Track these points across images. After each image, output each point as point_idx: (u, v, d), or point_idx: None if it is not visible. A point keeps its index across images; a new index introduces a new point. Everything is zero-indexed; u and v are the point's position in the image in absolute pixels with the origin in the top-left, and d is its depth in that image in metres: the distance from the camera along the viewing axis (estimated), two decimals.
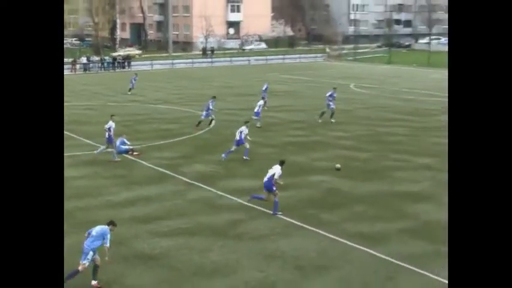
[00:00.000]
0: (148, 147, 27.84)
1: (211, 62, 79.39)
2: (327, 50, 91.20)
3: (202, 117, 32.44)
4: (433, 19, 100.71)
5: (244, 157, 25.41)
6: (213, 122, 32.89)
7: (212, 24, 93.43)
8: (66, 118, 27.64)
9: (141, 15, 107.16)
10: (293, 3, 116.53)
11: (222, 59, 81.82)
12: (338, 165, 22.59)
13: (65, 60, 60.18)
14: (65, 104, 32.94)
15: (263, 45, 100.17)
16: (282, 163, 19.00)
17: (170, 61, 77.83)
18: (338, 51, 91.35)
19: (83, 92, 49.14)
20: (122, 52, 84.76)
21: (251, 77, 62.04)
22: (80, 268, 13.05)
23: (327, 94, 34.97)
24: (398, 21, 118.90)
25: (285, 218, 18.18)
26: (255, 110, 32.23)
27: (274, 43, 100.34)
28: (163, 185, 21.83)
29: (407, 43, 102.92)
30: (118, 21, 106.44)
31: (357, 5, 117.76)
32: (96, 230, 13.40)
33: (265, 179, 18.65)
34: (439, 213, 18.69)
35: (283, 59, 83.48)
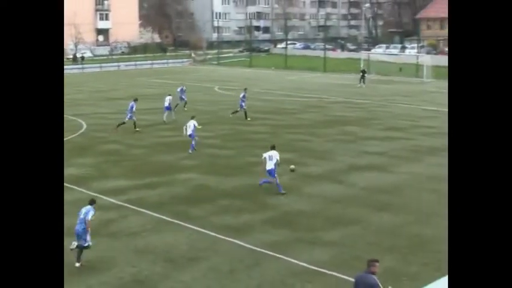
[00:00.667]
0: None
1: (82, 68, 76.89)
2: (193, 55, 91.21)
3: (127, 118, 31.56)
4: (289, 26, 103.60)
5: (189, 151, 26.34)
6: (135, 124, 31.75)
7: (81, 31, 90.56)
8: None
9: None
10: (160, 12, 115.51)
11: (93, 65, 79.49)
12: (292, 166, 21.57)
13: None
14: None
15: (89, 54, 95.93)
16: (273, 147, 20.94)
17: None
18: (203, 56, 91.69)
19: None
20: None
21: (120, 81, 60.93)
22: (86, 245, 14.18)
23: (240, 95, 35.84)
24: (257, 28, 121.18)
25: (155, 214, 17.99)
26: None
27: (142, 49, 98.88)
28: None
29: (266, 48, 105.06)
30: None
31: (219, 13, 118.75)
32: (82, 212, 14.33)
33: (270, 167, 20.25)
34: (298, 203, 19.28)
35: (152, 64, 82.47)
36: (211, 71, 73.48)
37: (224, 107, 40.50)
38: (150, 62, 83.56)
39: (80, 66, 78.53)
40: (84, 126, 31.68)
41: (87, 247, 14.25)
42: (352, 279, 10.77)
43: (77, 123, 34.23)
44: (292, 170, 21.45)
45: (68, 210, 18.31)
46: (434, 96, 47.92)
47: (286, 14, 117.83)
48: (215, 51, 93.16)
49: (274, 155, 20.56)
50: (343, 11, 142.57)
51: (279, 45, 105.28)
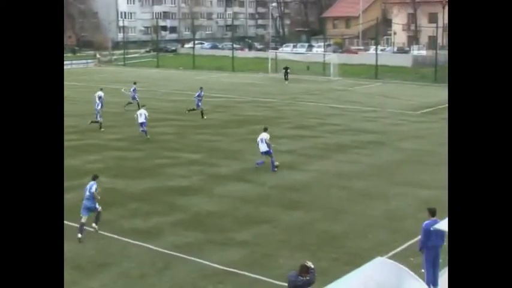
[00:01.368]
0: None
1: None
2: (98, 55, 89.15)
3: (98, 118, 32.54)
4: (196, 25, 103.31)
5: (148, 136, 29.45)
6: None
7: None
8: None
9: None
10: None
11: None
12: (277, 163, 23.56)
13: None
14: None
15: None
16: (265, 129, 23.86)
17: None
18: (108, 57, 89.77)
19: None
20: None
21: None
22: (98, 210, 16.31)
23: (195, 94, 36.43)
24: (164, 28, 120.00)
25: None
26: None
27: None
28: None
29: (173, 48, 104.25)
30: None
31: (125, 12, 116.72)
32: (87, 188, 16.30)
33: (264, 149, 23.14)
34: (209, 204, 19.34)
35: None
36: (118, 72, 72.18)
37: (131, 109, 39.89)
38: None
39: None
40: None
41: (99, 212, 16.39)
42: (264, 278, 10.97)
43: None
44: (276, 166, 23.53)
45: None
46: (341, 94, 49.27)
47: (193, 13, 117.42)
48: (121, 51, 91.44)
49: (265, 136, 23.40)
50: (251, 10, 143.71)
51: (186, 45, 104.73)
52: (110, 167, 24.14)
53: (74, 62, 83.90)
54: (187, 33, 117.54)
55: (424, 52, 74.76)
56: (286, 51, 79.84)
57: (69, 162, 24.66)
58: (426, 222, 12.91)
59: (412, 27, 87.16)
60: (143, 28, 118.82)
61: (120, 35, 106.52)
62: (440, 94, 48.69)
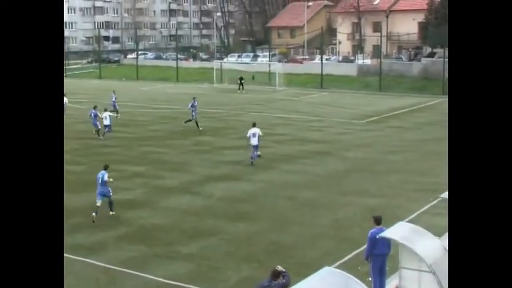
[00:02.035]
0: None
1: None
2: None
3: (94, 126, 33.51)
4: (139, 35, 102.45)
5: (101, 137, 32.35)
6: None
7: None
8: None
9: None
10: None
11: None
12: (259, 153, 26.61)
13: None
14: None
15: None
16: (254, 124, 26.62)
17: None
18: None
19: None
20: None
21: None
22: (110, 200, 19.08)
23: (189, 105, 36.30)
24: (106, 38, 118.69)
25: None
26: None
27: None
28: None
29: (116, 58, 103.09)
30: None
31: (66, 22, 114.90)
32: (100, 177, 19.00)
33: (255, 142, 26.00)
34: (154, 217, 19.16)
35: None
36: None
37: (73, 121, 39.23)
38: None
39: None
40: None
41: (112, 200, 19.05)
42: None
43: None
44: (259, 156, 26.43)
45: None
46: (286, 103, 49.69)
47: (136, 23, 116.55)
48: None
49: (256, 131, 26.14)
50: (195, 20, 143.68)
51: (129, 56, 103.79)
52: None
53: None
54: (130, 43, 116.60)
55: (368, 61, 76.12)
56: (232, 61, 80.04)
57: None
58: (372, 230, 13.11)
59: (357, 36, 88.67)
60: (85, 38, 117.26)
61: None
62: (385, 103, 49.73)
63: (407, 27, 79.04)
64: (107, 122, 33.15)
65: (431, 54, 67.81)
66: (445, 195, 13.59)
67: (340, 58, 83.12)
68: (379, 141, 32.58)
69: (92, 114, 33.84)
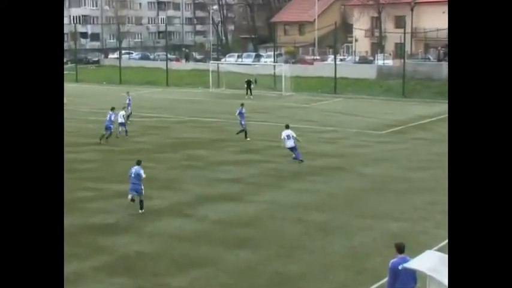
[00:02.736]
0: None
1: None
2: None
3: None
4: (123, 32, 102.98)
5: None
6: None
7: None
8: None
9: None
10: None
11: None
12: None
13: None
14: None
15: None
16: (287, 126, 30.60)
17: None
18: None
19: None
20: None
21: None
22: (141, 199, 22.24)
23: (236, 112, 37.11)
24: (84, 35, 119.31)
25: None
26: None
27: None
28: None
29: (95, 59, 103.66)
30: None
31: None
32: (133, 171, 22.35)
33: (291, 144, 29.84)
34: (139, 244, 19.17)
35: None
36: None
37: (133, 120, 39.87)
38: None
39: None
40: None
41: (142, 199, 22.24)
42: None
43: None
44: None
45: None
46: (294, 111, 49.80)
47: (119, 17, 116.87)
48: None
49: (290, 133, 29.82)
50: (188, 14, 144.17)
51: (111, 56, 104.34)
52: None
53: None
54: (112, 41, 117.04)
55: (390, 62, 76.27)
56: (230, 62, 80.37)
57: None
58: (393, 260, 13.07)
59: (376, 33, 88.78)
60: None
61: None
62: (409, 110, 49.78)
63: (436, 22, 78.38)
64: (121, 119, 37.27)
65: None
66: None
67: (357, 58, 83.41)
68: (402, 155, 32.60)
69: (109, 117, 36.06)
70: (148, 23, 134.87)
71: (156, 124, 43.58)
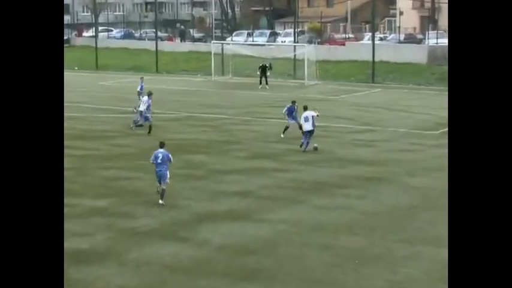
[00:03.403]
0: None
1: None
2: None
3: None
4: (100, 2, 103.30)
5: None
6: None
7: None
8: None
9: None
10: None
11: None
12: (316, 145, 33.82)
13: None
14: None
15: None
16: (306, 108, 34.41)
17: None
18: None
19: None
20: None
21: None
22: (163, 188, 25.25)
23: (284, 109, 37.76)
24: None
25: None
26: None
27: None
28: None
29: (66, 37, 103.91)
30: None
31: None
32: (159, 156, 25.25)
33: (309, 128, 33.49)
34: (121, 276, 19.17)
35: None
36: None
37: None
38: None
39: None
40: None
41: (164, 189, 25.15)
42: None
43: None
44: (315, 149, 33.68)
45: None
46: (320, 105, 49.50)
47: None
48: None
49: (313, 113, 33.73)
50: None
51: (85, 33, 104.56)
52: None
53: None
54: (85, 14, 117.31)
55: (445, 41, 75.91)
56: (238, 42, 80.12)
57: None
58: None
59: (427, 3, 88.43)
60: None
61: None
62: None
63: None
64: (143, 107, 39.39)
65: None
66: None
67: (402, 37, 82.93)
68: None
69: (147, 105, 39.19)
70: None
71: (143, 121, 43.63)
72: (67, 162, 32.48)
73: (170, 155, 25.34)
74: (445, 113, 45.41)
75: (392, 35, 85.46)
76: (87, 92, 57.04)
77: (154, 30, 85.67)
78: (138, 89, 47.08)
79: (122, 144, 36.76)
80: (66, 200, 25.99)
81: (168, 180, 25.09)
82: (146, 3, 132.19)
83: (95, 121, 43.67)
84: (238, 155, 33.95)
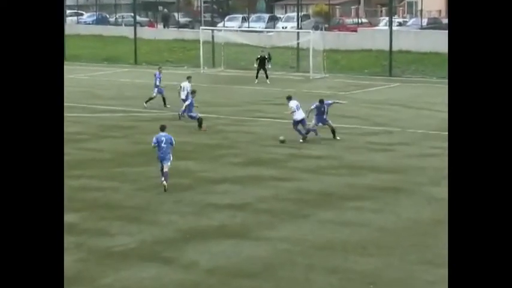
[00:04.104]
0: None
1: None
2: None
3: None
4: None
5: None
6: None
7: None
8: None
9: None
10: None
11: None
12: (282, 138, 36.39)
13: None
14: None
15: None
16: (289, 98, 37.85)
17: None
18: None
19: None
20: None
21: None
22: (165, 170, 28.44)
23: (312, 106, 37.78)
24: None
25: None
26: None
27: None
28: None
29: None
30: None
31: None
32: (163, 140, 28.23)
33: (300, 116, 36.25)
34: None
35: None
36: None
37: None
38: None
39: None
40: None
41: (167, 172, 28.32)
42: None
43: None
44: (283, 141, 36.27)
45: None
46: None
47: None
48: None
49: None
50: None
51: None
52: None
53: None
54: None
55: None
56: (231, 29, 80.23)
57: None
58: None
59: None
60: None
61: None
62: None
63: None
64: (183, 95, 43.84)
65: None
66: None
67: (425, 22, 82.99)
68: None
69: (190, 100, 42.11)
70: None
71: (120, 122, 43.71)
72: None
73: (173, 138, 28.44)
74: None
75: (413, 20, 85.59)
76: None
77: (132, 14, 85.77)
78: (157, 83, 48.61)
79: (94, 148, 36.76)
80: None
81: (169, 163, 28.20)
82: None
83: (64, 120, 43.62)
84: (231, 161, 33.98)
